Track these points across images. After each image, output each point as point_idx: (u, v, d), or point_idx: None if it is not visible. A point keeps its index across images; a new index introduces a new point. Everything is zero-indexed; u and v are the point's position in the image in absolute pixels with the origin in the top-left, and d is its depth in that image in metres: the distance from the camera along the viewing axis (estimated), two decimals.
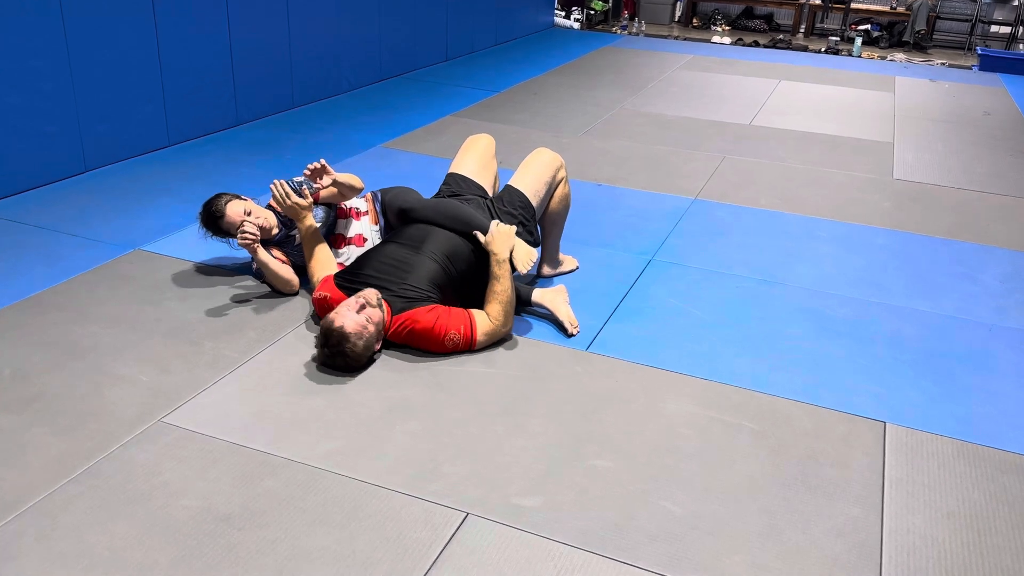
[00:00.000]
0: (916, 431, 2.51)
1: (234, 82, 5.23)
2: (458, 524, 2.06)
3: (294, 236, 3.19)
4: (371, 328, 2.65)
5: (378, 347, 2.74)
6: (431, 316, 2.72)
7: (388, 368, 2.71)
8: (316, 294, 2.91)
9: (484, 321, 2.80)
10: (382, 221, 3.37)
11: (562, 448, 2.37)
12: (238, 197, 3.16)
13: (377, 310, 2.69)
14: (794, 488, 2.25)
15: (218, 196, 3.15)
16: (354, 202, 3.35)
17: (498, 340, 2.85)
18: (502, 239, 2.84)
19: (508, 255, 2.85)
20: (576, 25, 10.11)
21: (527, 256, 2.91)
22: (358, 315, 2.64)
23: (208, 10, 4.93)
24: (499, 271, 2.82)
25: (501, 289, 2.81)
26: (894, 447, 2.43)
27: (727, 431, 2.48)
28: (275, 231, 3.16)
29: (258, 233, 2.98)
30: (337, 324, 2.60)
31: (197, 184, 4.23)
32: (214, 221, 3.10)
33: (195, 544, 1.97)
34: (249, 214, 3.07)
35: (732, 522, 2.12)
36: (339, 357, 2.62)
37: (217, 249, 3.42)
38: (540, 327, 3.00)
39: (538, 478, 2.24)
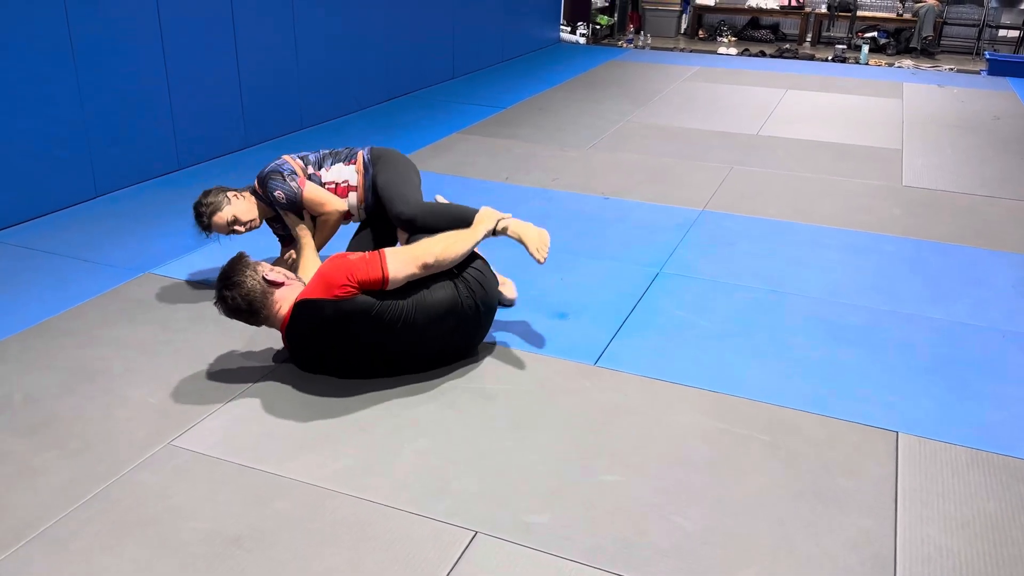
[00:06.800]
0: (929, 440, 2.48)
1: (242, 104, 5.27)
2: (467, 543, 2.05)
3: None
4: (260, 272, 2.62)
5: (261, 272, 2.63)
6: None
7: (396, 387, 2.71)
8: None
9: (397, 251, 2.64)
10: (369, 198, 3.22)
11: (571, 463, 2.35)
12: (219, 192, 3.13)
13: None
14: (806, 500, 2.23)
15: (202, 205, 3.13)
16: (344, 174, 3.22)
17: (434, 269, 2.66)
18: (487, 216, 2.85)
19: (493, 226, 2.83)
20: (582, 40, 10.15)
21: (540, 239, 2.85)
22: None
23: (216, 34, 4.98)
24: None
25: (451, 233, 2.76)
26: (907, 457, 2.41)
27: (738, 443, 2.46)
28: (262, 217, 3.24)
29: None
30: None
31: None
32: (205, 229, 3.16)
33: (205, 567, 1.97)
34: (233, 222, 3.11)
35: (744, 535, 2.10)
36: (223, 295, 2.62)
37: None
38: (548, 342, 2.99)
39: (547, 494, 2.23)
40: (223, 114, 5.14)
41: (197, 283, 3.43)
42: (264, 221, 3.33)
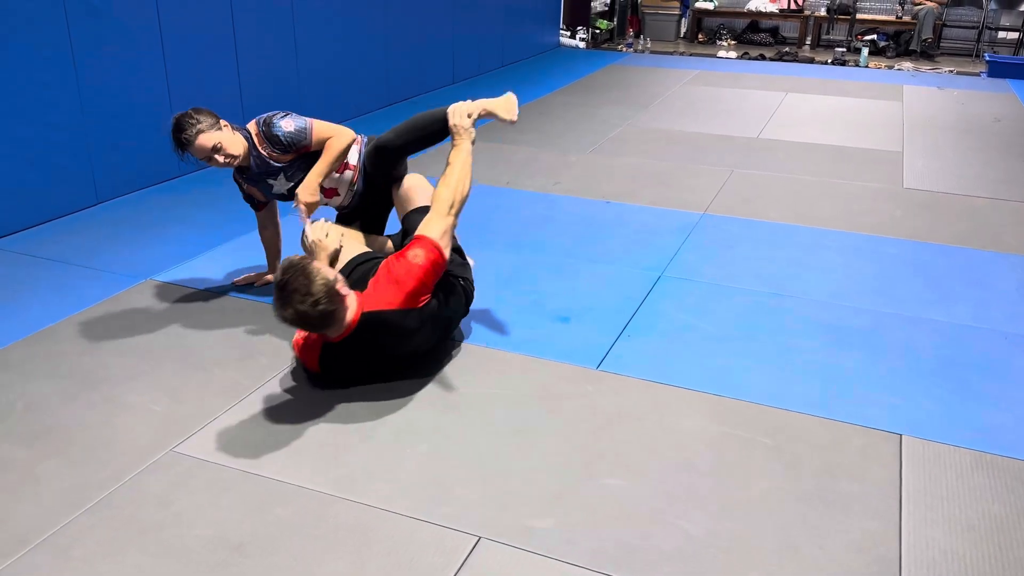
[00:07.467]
0: (933, 443, 2.48)
1: (243, 109, 5.27)
2: (470, 548, 2.05)
3: (270, 184, 3.15)
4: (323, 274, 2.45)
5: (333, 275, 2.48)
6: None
7: (396, 391, 2.71)
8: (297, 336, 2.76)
9: (434, 229, 2.64)
10: (360, 184, 3.19)
11: (574, 468, 2.35)
12: (211, 115, 3.00)
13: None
14: (810, 503, 2.22)
15: (191, 118, 2.97)
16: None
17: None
18: (461, 124, 2.93)
19: (471, 129, 2.90)
20: (582, 44, 10.16)
21: (507, 104, 2.93)
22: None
23: (216, 39, 4.98)
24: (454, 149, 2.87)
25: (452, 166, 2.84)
26: (911, 459, 2.40)
27: (741, 447, 2.45)
28: (241, 159, 3.05)
29: (305, 210, 3.03)
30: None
31: (208, 213, 4.26)
32: (181, 144, 2.99)
33: (207, 573, 1.96)
34: (217, 149, 2.95)
35: (748, 539, 2.09)
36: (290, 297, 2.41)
37: (228, 277, 3.43)
38: (550, 346, 2.99)
39: (550, 499, 2.22)
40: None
41: (198, 290, 3.42)
42: (234, 177, 3.21)
